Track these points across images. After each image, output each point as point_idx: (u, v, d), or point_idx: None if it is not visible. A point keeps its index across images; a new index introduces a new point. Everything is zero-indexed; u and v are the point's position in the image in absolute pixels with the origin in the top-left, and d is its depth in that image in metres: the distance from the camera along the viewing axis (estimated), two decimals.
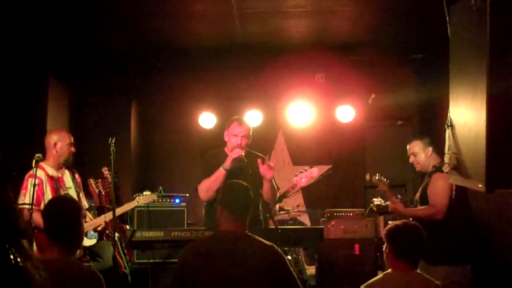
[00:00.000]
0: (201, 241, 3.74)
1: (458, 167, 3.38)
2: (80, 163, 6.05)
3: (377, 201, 7.05)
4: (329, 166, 8.03)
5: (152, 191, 7.36)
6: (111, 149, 5.30)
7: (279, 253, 3.47)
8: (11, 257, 1.49)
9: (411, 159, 5.32)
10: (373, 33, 7.41)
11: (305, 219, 7.91)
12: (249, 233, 3.52)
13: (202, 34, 7.34)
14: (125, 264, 6.65)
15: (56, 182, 5.71)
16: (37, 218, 5.02)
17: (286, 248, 6.07)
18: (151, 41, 7.52)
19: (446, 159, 3.60)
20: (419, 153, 5.25)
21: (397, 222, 3.77)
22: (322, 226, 6.72)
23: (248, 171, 4.83)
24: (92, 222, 5.75)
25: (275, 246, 3.49)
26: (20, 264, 1.50)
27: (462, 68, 3.35)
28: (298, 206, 8.18)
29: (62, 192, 5.66)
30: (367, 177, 9.01)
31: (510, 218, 5.52)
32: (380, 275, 3.68)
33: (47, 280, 1.57)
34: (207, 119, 8.29)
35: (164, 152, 9.01)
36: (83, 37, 7.15)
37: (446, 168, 3.64)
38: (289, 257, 6.28)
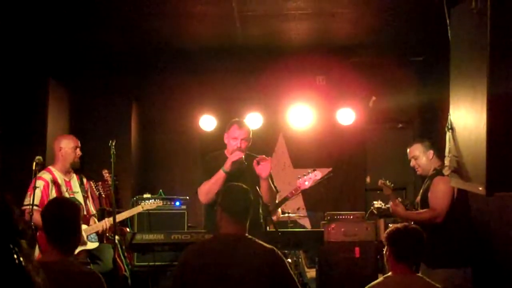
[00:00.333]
0: (201, 244, 3.73)
1: (459, 170, 3.38)
2: (81, 165, 6.06)
3: (377, 204, 7.04)
4: (330, 169, 8.02)
5: (152, 193, 7.37)
6: (112, 152, 5.31)
7: (279, 256, 3.46)
8: (15, 257, 1.49)
9: (412, 162, 5.31)
10: (374, 36, 7.41)
11: (306, 222, 7.91)
12: (249, 236, 3.51)
13: (203, 36, 7.34)
14: (125, 267, 6.64)
15: (62, 186, 5.78)
16: (39, 219, 5.05)
17: (286, 251, 6.07)
18: (151, 42, 7.53)
19: (446, 162, 3.59)
20: (420, 156, 5.24)
21: (398, 225, 3.76)
22: (323, 229, 6.72)
23: (248, 173, 4.82)
24: (94, 226, 5.77)
25: (275, 249, 3.48)
26: (23, 265, 1.50)
27: (463, 71, 3.35)
28: (298, 209, 8.18)
29: (68, 196, 5.70)
30: (368, 179, 9.02)
31: (510, 220, 5.52)
32: (380, 278, 3.67)
33: (47, 282, 1.57)
34: (207, 122, 8.30)
35: (165, 154, 9.01)
36: (84, 38, 7.15)
37: (446, 171, 3.63)
38: (290, 260, 6.28)
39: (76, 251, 5.54)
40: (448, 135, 3.53)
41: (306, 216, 8.18)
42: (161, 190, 7.62)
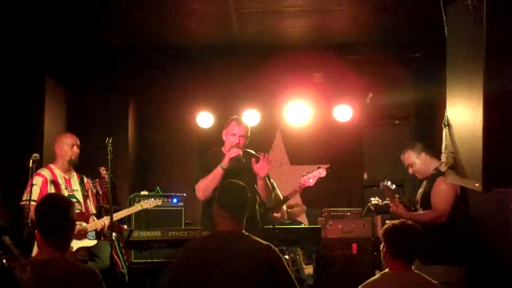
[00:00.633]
0: (198, 241, 3.73)
1: (455, 167, 3.39)
2: (78, 162, 6.07)
3: (374, 200, 7.06)
4: (327, 166, 8.02)
5: (150, 190, 7.38)
6: (108, 149, 5.31)
7: (275, 252, 3.47)
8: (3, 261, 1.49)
9: (410, 170, 5.31)
10: (371, 33, 7.40)
11: (303, 219, 7.91)
12: (246, 233, 3.51)
13: (200, 33, 7.33)
14: (123, 264, 6.64)
15: (62, 184, 5.81)
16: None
17: (283, 248, 6.08)
18: (148, 40, 7.51)
19: (443, 158, 3.60)
20: (415, 162, 5.24)
21: (395, 221, 3.76)
22: (320, 226, 6.73)
23: (246, 170, 4.82)
24: (94, 223, 5.78)
25: (271, 245, 3.49)
26: (8, 266, 1.50)
27: (459, 68, 3.35)
28: (296, 205, 8.18)
29: (67, 194, 5.73)
30: (365, 176, 9.03)
31: (507, 218, 5.52)
32: (377, 275, 3.68)
33: (36, 278, 1.57)
34: (204, 119, 8.30)
35: (162, 151, 9.01)
36: (80, 36, 7.14)
37: (443, 168, 3.64)
38: (287, 257, 6.28)
39: (75, 248, 5.56)
40: (445, 131, 3.54)
41: (303, 212, 8.17)
42: (158, 187, 7.63)
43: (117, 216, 5.86)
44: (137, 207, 6.21)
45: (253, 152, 5.22)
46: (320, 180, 6.67)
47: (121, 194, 7.56)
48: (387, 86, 8.32)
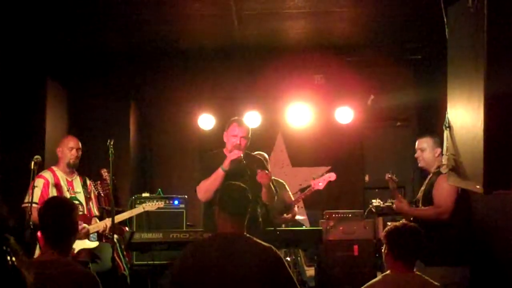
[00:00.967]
0: (200, 243, 3.74)
1: (456, 168, 3.39)
2: (79, 164, 6.07)
3: (376, 202, 7.05)
4: (328, 168, 8.03)
5: (151, 192, 7.39)
6: (110, 151, 5.31)
7: (277, 254, 3.47)
8: (8, 258, 1.49)
9: (418, 153, 5.27)
10: (372, 34, 7.41)
11: (304, 221, 7.92)
12: (247, 235, 3.51)
13: (201, 35, 7.34)
14: (124, 266, 6.65)
15: (64, 186, 5.83)
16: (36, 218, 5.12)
17: (285, 250, 6.08)
18: (150, 42, 7.52)
19: (444, 160, 3.60)
20: (427, 150, 5.20)
21: (397, 223, 3.76)
22: (321, 228, 6.73)
23: (247, 172, 4.82)
24: (96, 225, 5.79)
25: (273, 247, 3.48)
26: (16, 265, 1.50)
27: (460, 69, 3.35)
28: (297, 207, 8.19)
29: (69, 196, 5.74)
30: (366, 178, 9.03)
31: (508, 219, 5.52)
32: (379, 276, 3.67)
33: (41, 281, 1.58)
34: (206, 121, 8.31)
35: (163, 153, 9.02)
36: (82, 38, 7.15)
37: (444, 170, 3.64)
38: (288, 259, 6.29)
39: (76, 249, 5.57)
40: (446, 133, 3.54)
41: (304, 214, 8.19)
42: (159, 189, 7.63)
43: (119, 218, 5.87)
44: (139, 209, 6.23)
45: (254, 154, 5.23)
46: None
47: (122, 196, 7.56)
48: (388, 88, 8.32)
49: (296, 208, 6.77)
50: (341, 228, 7.01)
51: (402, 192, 5.30)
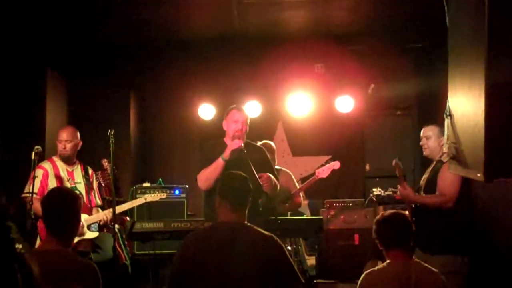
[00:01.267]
0: (200, 232, 3.74)
1: (457, 157, 3.38)
2: (80, 155, 6.07)
3: (376, 191, 7.06)
4: (329, 157, 8.03)
5: (152, 182, 7.39)
6: (110, 141, 5.31)
7: (278, 243, 3.47)
8: (16, 246, 1.50)
9: (423, 141, 5.26)
10: (372, 23, 7.39)
11: (305, 210, 7.92)
12: (248, 224, 3.52)
13: (201, 25, 7.32)
14: (126, 255, 6.67)
15: (64, 176, 5.82)
16: (39, 207, 5.10)
17: (286, 239, 6.09)
18: (149, 32, 7.51)
19: (445, 148, 3.60)
20: (433, 138, 5.19)
21: (384, 213, 3.77)
22: (322, 217, 6.74)
23: (247, 161, 4.81)
24: (95, 216, 5.78)
25: (274, 236, 3.49)
26: (22, 255, 1.51)
27: (461, 58, 3.34)
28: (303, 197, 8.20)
29: (69, 186, 5.73)
30: (367, 167, 9.03)
31: (509, 207, 5.53)
32: (380, 264, 3.68)
33: (43, 271, 1.58)
34: (206, 110, 8.30)
35: (164, 143, 9.02)
36: (81, 28, 7.14)
37: (445, 158, 3.64)
38: (289, 248, 6.30)
39: (76, 239, 5.57)
40: (447, 122, 3.53)
41: (305, 203, 8.19)
42: (160, 179, 7.64)
43: (120, 208, 5.87)
44: (140, 200, 6.22)
45: (254, 143, 5.22)
46: None
47: (123, 186, 7.56)
48: (388, 76, 8.31)
49: (302, 198, 6.77)
50: (342, 217, 7.03)
51: (404, 179, 5.28)
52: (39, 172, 5.64)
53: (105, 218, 5.78)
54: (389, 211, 3.78)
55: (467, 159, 3.21)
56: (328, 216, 7.00)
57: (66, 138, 5.85)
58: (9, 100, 6.76)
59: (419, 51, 8.20)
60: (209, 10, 6.74)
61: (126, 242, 6.77)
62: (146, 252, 6.39)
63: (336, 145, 8.79)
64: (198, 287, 3.37)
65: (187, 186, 7.38)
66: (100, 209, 5.96)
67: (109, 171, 6.51)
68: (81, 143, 5.99)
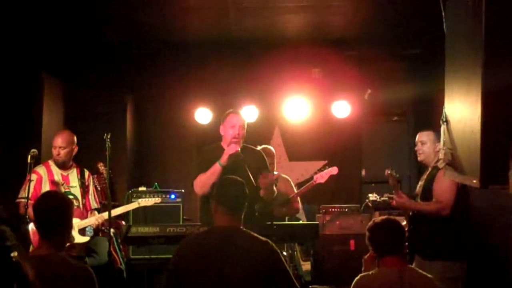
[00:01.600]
0: (196, 236, 3.73)
1: (453, 163, 3.38)
2: (76, 158, 6.05)
3: (372, 196, 7.07)
4: (325, 162, 8.03)
5: (148, 186, 7.37)
6: (107, 145, 5.30)
7: (273, 248, 3.46)
8: (12, 254, 1.49)
9: (418, 146, 5.26)
10: (369, 28, 7.41)
11: (301, 215, 7.91)
12: (244, 229, 3.51)
13: (198, 29, 7.33)
14: (121, 259, 6.64)
15: (58, 180, 5.77)
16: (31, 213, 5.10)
17: (282, 244, 6.08)
18: (146, 35, 7.51)
19: (441, 154, 3.59)
20: (428, 144, 5.18)
21: (375, 219, 3.76)
22: (318, 222, 6.74)
23: (244, 166, 4.81)
24: (87, 220, 5.73)
25: (269, 241, 3.48)
26: (18, 260, 1.50)
27: (458, 64, 3.35)
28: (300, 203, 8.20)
29: (63, 190, 5.70)
30: (363, 172, 9.03)
31: (505, 214, 5.52)
32: (371, 271, 3.66)
33: (38, 275, 1.57)
34: (203, 115, 8.30)
35: (160, 147, 9.01)
36: (78, 31, 7.14)
37: (441, 164, 3.63)
38: (285, 253, 6.29)
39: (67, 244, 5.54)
40: (443, 128, 3.53)
41: (301, 208, 8.18)
42: (156, 183, 7.62)
43: (113, 212, 5.82)
44: (134, 205, 6.17)
45: (252, 147, 5.21)
46: None
47: (119, 190, 7.55)
48: (385, 82, 8.31)
49: (300, 204, 6.76)
50: (337, 222, 7.02)
51: (399, 187, 5.28)
52: (33, 177, 5.60)
53: (96, 223, 5.73)
54: (380, 218, 3.77)
55: (463, 165, 3.21)
56: (324, 222, 7.00)
57: (61, 145, 5.80)
58: (6, 103, 6.74)
59: (416, 57, 8.22)
60: (206, 14, 6.74)
61: (121, 247, 6.74)
62: (142, 256, 6.39)
63: (332, 150, 8.79)
64: None
65: (183, 190, 7.36)
66: (96, 212, 5.92)
67: (105, 175, 6.50)
68: (77, 148, 5.94)
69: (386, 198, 6.98)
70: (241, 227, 3.52)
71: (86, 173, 6.02)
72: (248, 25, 7.12)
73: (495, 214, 5.75)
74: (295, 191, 6.73)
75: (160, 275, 6.29)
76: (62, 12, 6.42)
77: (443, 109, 3.50)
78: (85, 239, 5.72)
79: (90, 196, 5.98)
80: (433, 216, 4.88)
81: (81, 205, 5.84)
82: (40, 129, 7.22)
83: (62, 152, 5.79)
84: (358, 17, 6.92)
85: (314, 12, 6.79)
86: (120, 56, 8.01)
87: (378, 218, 3.77)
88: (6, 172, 6.43)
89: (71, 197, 5.57)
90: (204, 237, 3.55)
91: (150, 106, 8.98)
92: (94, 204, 6.00)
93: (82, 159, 6.32)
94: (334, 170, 6.65)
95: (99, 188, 6.44)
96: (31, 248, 5.24)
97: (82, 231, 5.70)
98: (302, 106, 8.27)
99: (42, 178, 5.73)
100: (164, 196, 7.15)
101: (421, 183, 5.22)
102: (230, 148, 4.85)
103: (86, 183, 5.96)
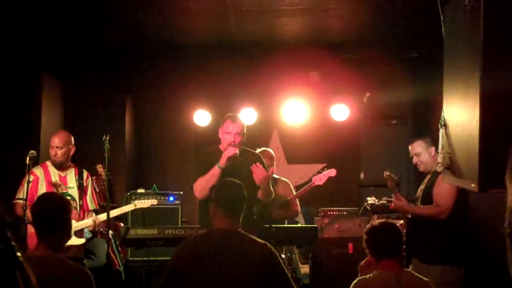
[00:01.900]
0: (195, 239, 3.74)
1: (452, 167, 3.39)
2: (74, 160, 6.05)
3: (371, 200, 7.06)
4: (324, 165, 8.04)
5: (146, 188, 7.37)
6: (105, 147, 5.30)
7: (272, 251, 3.47)
8: (18, 254, 1.49)
9: (414, 159, 5.27)
10: (368, 32, 7.42)
11: (299, 218, 7.91)
12: (242, 231, 3.52)
13: (197, 31, 7.33)
14: (119, 261, 6.65)
15: (55, 181, 5.75)
16: (29, 214, 5.08)
17: (281, 247, 6.08)
18: (146, 37, 7.51)
19: (439, 158, 3.60)
20: (423, 153, 5.19)
21: (373, 222, 3.76)
22: (316, 225, 6.74)
23: (243, 169, 4.81)
24: (83, 222, 5.70)
25: (268, 244, 3.49)
26: (21, 262, 1.50)
27: (456, 67, 3.35)
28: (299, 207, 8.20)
29: (60, 191, 5.68)
30: (362, 176, 9.04)
31: (503, 218, 5.51)
32: (367, 275, 3.66)
33: (36, 276, 1.57)
34: (201, 117, 8.31)
35: (159, 149, 9.01)
36: (78, 33, 7.14)
37: (439, 168, 3.64)
38: (283, 256, 6.29)
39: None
40: (441, 131, 3.54)
41: (300, 211, 8.19)
42: (155, 185, 7.62)
43: (110, 214, 5.81)
44: (130, 207, 6.16)
45: (250, 150, 5.22)
46: None
47: (117, 192, 7.55)
48: (384, 85, 8.33)
49: (298, 208, 6.76)
50: (336, 225, 7.03)
51: (398, 190, 5.28)
52: (30, 178, 5.58)
53: (92, 224, 5.71)
54: (378, 221, 3.77)
55: (462, 169, 3.21)
56: (323, 225, 7.00)
57: (58, 145, 5.78)
58: (4, 104, 6.74)
59: (415, 60, 8.23)
60: (206, 17, 6.75)
61: (120, 249, 6.74)
62: (140, 258, 6.39)
63: (331, 153, 8.80)
64: None
65: (181, 192, 7.37)
66: (94, 213, 5.89)
67: (103, 177, 6.49)
68: (74, 148, 5.92)
69: (385, 202, 6.97)
70: (240, 229, 3.53)
71: (85, 173, 5.98)
72: (247, 28, 7.13)
73: (494, 218, 5.75)
74: (294, 193, 6.73)
75: (159, 277, 6.27)
76: (61, 13, 6.42)
77: (442, 113, 3.51)
78: (81, 241, 5.70)
79: (88, 197, 5.93)
80: (431, 220, 4.89)
81: (78, 206, 5.80)
82: (39, 130, 7.21)
83: (59, 152, 5.78)
84: (356, 20, 6.93)
85: (313, 15, 6.80)
86: (119, 57, 8.02)
87: (376, 221, 3.77)
88: (5, 174, 6.43)
89: (68, 198, 5.56)
90: (202, 240, 3.56)
91: (149, 108, 8.99)
92: (92, 205, 5.96)
93: (81, 161, 6.32)
94: (332, 172, 6.67)
95: (97, 190, 6.43)
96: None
97: (78, 233, 5.67)
98: (301, 109, 8.28)
99: (38, 179, 5.71)
100: (162, 198, 7.16)
101: (421, 187, 5.22)
102: (229, 151, 4.86)
103: (84, 184, 5.93)
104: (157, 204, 6.53)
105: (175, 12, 6.53)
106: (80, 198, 5.82)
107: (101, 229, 5.93)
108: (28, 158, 5.43)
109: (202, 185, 4.89)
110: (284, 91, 8.25)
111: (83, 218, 5.76)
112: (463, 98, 3.14)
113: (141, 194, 7.11)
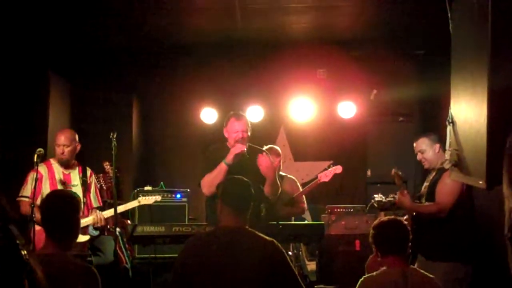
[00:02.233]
0: (202, 236, 3.74)
1: (459, 164, 3.38)
2: (82, 158, 6.07)
3: (378, 197, 7.04)
4: (330, 162, 8.04)
5: (153, 186, 7.39)
6: (113, 144, 5.31)
7: (279, 248, 3.47)
8: (23, 253, 1.50)
9: (419, 156, 5.26)
10: (375, 29, 7.40)
11: (306, 215, 7.92)
12: (250, 228, 3.52)
13: (204, 29, 7.33)
14: (126, 259, 6.66)
15: (58, 179, 5.77)
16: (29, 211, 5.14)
17: (288, 244, 6.09)
18: (152, 36, 7.52)
19: (447, 155, 3.60)
20: (427, 150, 5.18)
21: (382, 218, 3.76)
22: (323, 222, 6.74)
23: (250, 166, 4.82)
24: (84, 220, 5.68)
25: (275, 241, 3.49)
26: (27, 260, 1.51)
27: (463, 64, 3.35)
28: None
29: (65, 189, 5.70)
30: (368, 173, 9.02)
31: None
32: (373, 272, 3.66)
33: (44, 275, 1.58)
34: (208, 115, 8.32)
35: (166, 147, 9.03)
36: (84, 32, 7.15)
37: (447, 165, 3.63)
38: (290, 253, 6.29)
39: None
40: (449, 128, 3.53)
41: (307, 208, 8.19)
42: (162, 183, 7.64)
43: (112, 211, 5.81)
44: (134, 203, 6.18)
45: (257, 147, 5.21)
46: None
47: (125, 189, 7.57)
48: (391, 82, 8.31)
49: (305, 205, 6.77)
50: (343, 222, 7.03)
51: (405, 187, 5.27)
52: (34, 175, 5.60)
53: (92, 221, 5.72)
54: (387, 217, 3.77)
55: (469, 166, 3.21)
56: (329, 222, 7.00)
57: (64, 143, 5.80)
58: (12, 102, 6.76)
59: (422, 57, 8.21)
60: (213, 15, 6.75)
61: (127, 246, 6.76)
62: (147, 255, 6.40)
63: (338, 151, 8.79)
64: None
65: (188, 190, 7.38)
66: (98, 211, 5.91)
67: (110, 174, 6.51)
68: (79, 145, 5.94)
69: (392, 199, 6.95)
70: (247, 227, 3.53)
71: (88, 171, 6.01)
72: (254, 26, 7.13)
73: (501, 216, 5.73)
74: (301, 189, 6.74)
75: (166, 274, 6.30)
76: (69, 13, 6.44)
77: (449, 110, 3.50)
78: (85, 238, 5.72)
79: (91, 195, 5.96)
80: (431, 217, 4.87)
81: (82, 204, 5.82)
82: (46, 128, 7.24)
83: (66, 150, 5.80)
84: (363, 18, 6.92)
85: (320, 13, 6.79)
86: (126, 56, 8.03)
87: (384, 217, 3.77)
88: (12, 171, 6.45)
89: None
90: (209, 237, 3.56)
91: (156, 106, 9.00)
92: (95, 202, 5.98)
93: (88, 159, 6.33)
94: (338, 169, 6.67)
95: (104, 187, 6.45)
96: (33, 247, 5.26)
97: (82, 230, 5.66)
98: (308, 107, 8.28)
99: (42, 177, 5.72)
100: (169, 195, 7.17)
101: (426, 184, 5.21)
102: (236, 148, 4.87)
103: (88, 181, 5.95)
104: (164, 202, 6.54)
105: (182, 10, 6.54)
106: (84, 196, 5.83)
107: (108, 226, 5.94)
108: (36, 155, 5.44)
109: (210, 182, 4.90)
110: (291, 88, 8.25)
111: (87, 216, 5.78)
112: (470, 95, 3.13)
113: (148, 191, 7.12)
